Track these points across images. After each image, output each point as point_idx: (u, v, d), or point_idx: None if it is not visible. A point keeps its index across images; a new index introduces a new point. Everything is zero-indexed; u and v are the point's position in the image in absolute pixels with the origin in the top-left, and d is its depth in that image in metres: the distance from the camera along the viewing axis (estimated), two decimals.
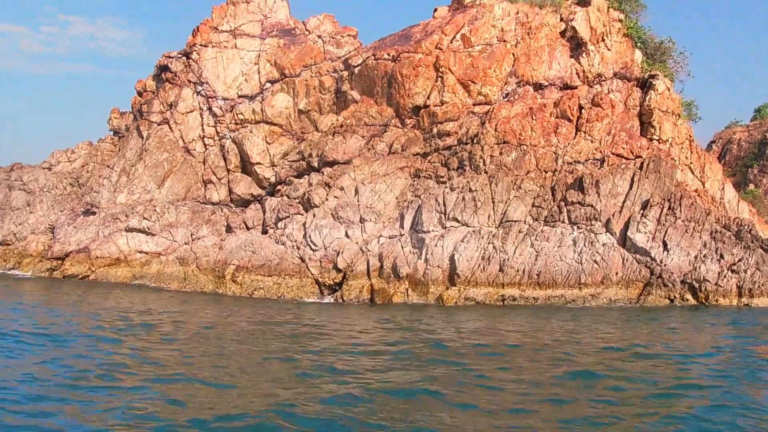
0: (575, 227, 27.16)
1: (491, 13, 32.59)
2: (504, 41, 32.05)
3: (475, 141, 29.72)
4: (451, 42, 31.76)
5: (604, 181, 28.10)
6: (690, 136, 34.46)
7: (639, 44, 35.21)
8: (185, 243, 30.06)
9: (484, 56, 31.63)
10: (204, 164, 32.60)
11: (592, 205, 27.46)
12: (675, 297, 26.26)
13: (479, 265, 26.05)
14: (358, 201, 28.45)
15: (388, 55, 32.10)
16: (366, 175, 29.07)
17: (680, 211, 28.00)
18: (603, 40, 33.66)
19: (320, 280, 27.27)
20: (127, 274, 29.41)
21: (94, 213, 31.01)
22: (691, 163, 34.02)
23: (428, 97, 31.10)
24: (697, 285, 26.52)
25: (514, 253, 26.29)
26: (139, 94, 35.83)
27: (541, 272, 26.07)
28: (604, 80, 33.43)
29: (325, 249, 27.76)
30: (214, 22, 34.52)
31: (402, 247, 26.87)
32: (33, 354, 14.27)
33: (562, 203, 27.61)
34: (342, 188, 28.90)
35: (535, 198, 27.70)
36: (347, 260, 27.13)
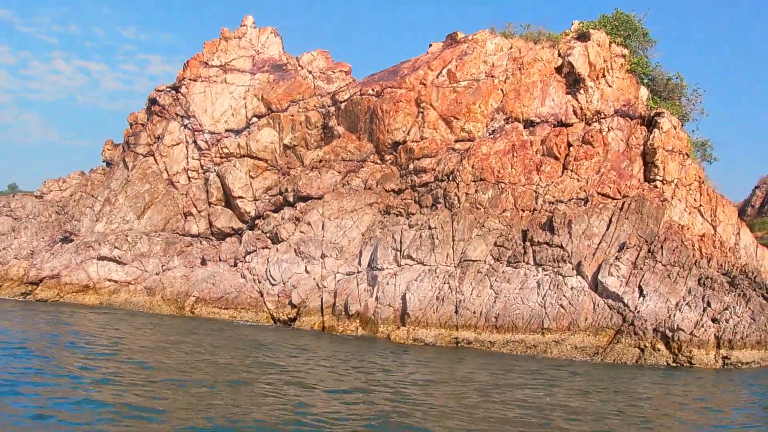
0: (540, 269, 25.67)
1: (483, 48, 31.84)
2: (492, 77, 31.13)
3: (450, 178, 28.77)
4: (437, 77, 31.09)
5: (578, 221, 26.56)
6: (700, 178, 32.33)
7: (646, 81, 33.53)
8: (156, 273, 30.09)
9: (469, 92, 30.79)
10: (186, 196, 32.74)
11: (561, 246, 25.94)
12: (646, 347, 24.10)
13: (432, 306, 24.90)
14: (322, 236, 27.87)
15: (373, 90, 31.67)
16: (334, 211, 28.50)
17: (662, 254, 26.09)
18: (603, 76, 32.19)
19: (275, 315, 26.77)
20: (95, 301, 29.64)
21: (71, 241, 31.52)
22: (701, 205, 31.90)
23: (408, 133, 30.42)
24: (670, 334, 24.36)
25: (471, 294, 25.02)
26: (131, 126, 36.41)
27: (499, 315, 24.66)
28: (603, 118, 31.86)
29: (284, 284, 27.25)
30: (204, 56, 34.90)
31: (357, 285, 26.07)
32: None
33: (528, 243, 26.23)
34: (309, 223, 28.41)
35: (498, 237, 26.39)
36: (302, 296, 26.52)
